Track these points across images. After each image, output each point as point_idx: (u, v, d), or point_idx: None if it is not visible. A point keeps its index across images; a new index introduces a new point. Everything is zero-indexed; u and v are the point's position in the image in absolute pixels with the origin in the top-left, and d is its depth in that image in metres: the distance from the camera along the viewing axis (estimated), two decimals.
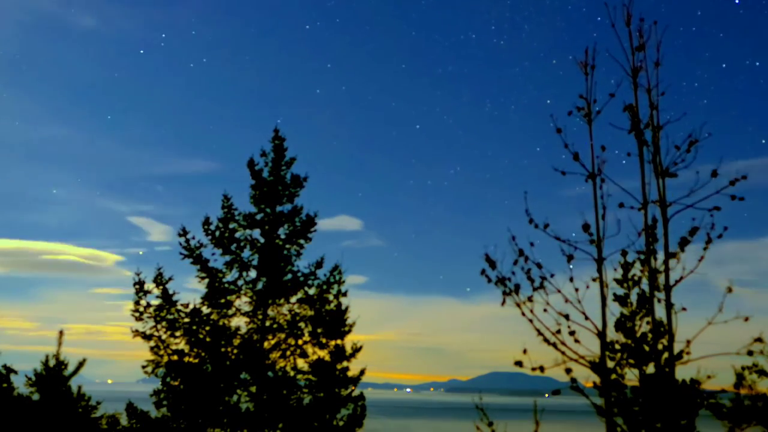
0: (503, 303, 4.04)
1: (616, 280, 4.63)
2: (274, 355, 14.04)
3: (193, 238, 14.32)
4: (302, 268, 14.63)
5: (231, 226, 14.53)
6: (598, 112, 4.17)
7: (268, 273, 14.28)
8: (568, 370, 3.90)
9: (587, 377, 3.95)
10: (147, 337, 13.70)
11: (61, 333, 13.38)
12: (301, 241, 14.73)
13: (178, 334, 13.74)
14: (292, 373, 14.03)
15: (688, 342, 3.85)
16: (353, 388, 14.35)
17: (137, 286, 13.84)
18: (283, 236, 14.67)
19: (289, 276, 14.49)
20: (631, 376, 4.56)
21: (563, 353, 3.92)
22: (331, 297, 14.52)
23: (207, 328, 13.79)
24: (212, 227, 14.43)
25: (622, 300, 4.82)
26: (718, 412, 10.22)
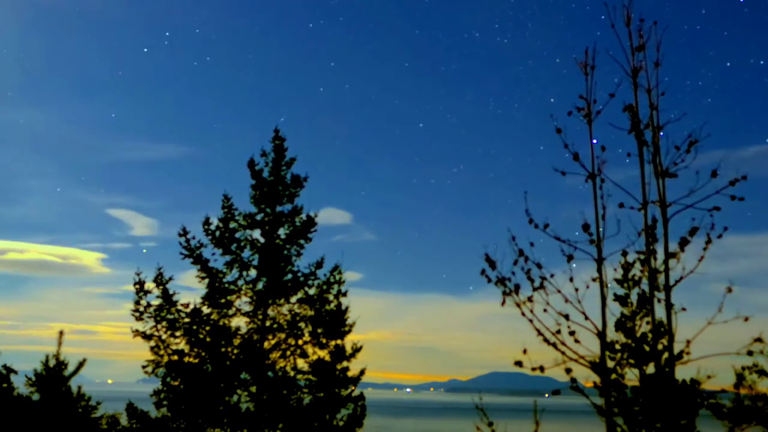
0: (503, 303, 4.04)
1: (616, 280, 4.63)
2: (274, 355, 14.04)
3: (194, 238, 14.33)
4: (302, 268, 14.65)
5: (231, 226, 14.53)
6: (598, 112, 4.17)
7: (268, 273, 14.29)
8: (568, 370, 3.91)
9: (587, 377, 3.95)
10: (147, 337, 13.70)
11: (61, 333, 13.39)
12: (301, 241, 14.74)
13: (178, 334, 13.75)
14: (292, 373, 14.04)
15: (688, 342, 3.86)
16: (353, 388, 14.36)
17: (137, 286, 13.84)
18: (283, 236, 14.67)
19: (289, 276, 14.49)
20: (631, 376, 4.57)
21: (563, 353, 3.92)
22: (331, 297, 14.53)
23: (207, 328, 13.79)
24: (212, 227, 14.44)
25: (622, 300, 4.82)
26: (718, 412, 10.22)
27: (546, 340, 3.94)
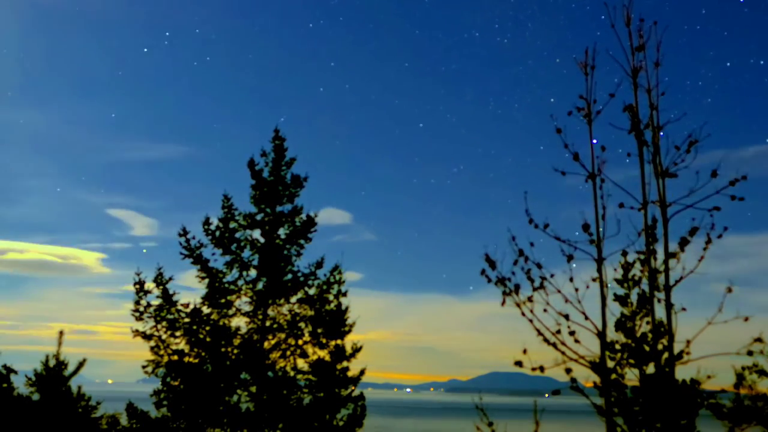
0: (503, 303, 4.04)
1: (616, 280, 4.63)
2: (274, 355, 14.04)
3: (194, 238, 14.34)
4: (302, 268, 14.66)
5: (231, 226, 14.54)
6: (598, 112, 4.17)
7: (268, 273, 14.29)
8: (568, 370, 3.91)
9: (587, 377, 3.95)
10: (147, 337, 13.70)
11: (61, 333, 13.38)
12: (301, 241, 14.74)
13: (178, 334, 13.75)
14: (292, 373, 14.03)
15: (688, 342, 3.86)
16: (353, 388, 14.36)
17: (137, 286, 13.84)
18: (283, 236, 14.67)
19: (289, 276, 14.49)
20: (631, 376, 4.57)
21: (563, 353, 3.92)
22: (331, 297, 14.53)
23: (207, 328, 13.79)
24: (212, 227, 14.44)
25: (622, 300, 4.82)
26: (718, 412, 10.21)
27: (546, 340, 3.94)
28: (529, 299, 4.02)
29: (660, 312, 3.94)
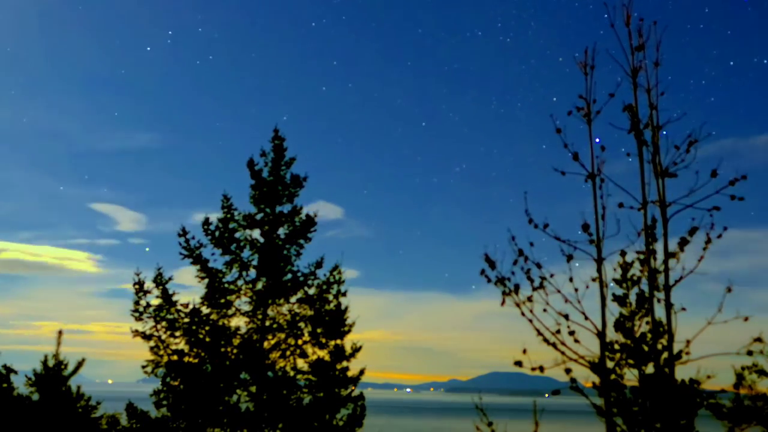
0: (503, 303, 4.04)
1: (616, 280, 4.63)
2: (274, 355, 14.04)
3: (193, 238, 14.33)
4: (302, 268, 14.65)
5: (231, 226, 14.53)
6: (597, 112, 4.17)
7: (268, 273, 14.28)
8: (568, 370, 3.91)
9: (587, 377, 3.95)
10: (147, 337, 13.70)
11: (60, 333, 13.38)
12: (301, 241, 14.74)
13: (178, 334, 13.75)
14: (292, 373, 14.03)
15: (688, 342, 3.85)
16: (353, 388, 14.35)
17: (137, 286, 13.84)
18: (282, 236, 14.67)
19: (289, 276, 14.49)
20: (631, 376, 4.57)
21: (563, 353, 3.92)
22: (330, 297, 14.52)
23: (207, 328, 13.78)
24: (212, 227, 14.43)
25: (621, 300, 4.82)
26: (717, 412, 10.21)
27: (546, 340, 3.94)
28: (529, 299, 4.02)
29: (660, 312, 3.93)
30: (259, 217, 14.69)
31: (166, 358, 13.66)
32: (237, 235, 14.52)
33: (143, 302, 13.80)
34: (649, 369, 4.49)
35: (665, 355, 3.91)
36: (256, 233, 14.64)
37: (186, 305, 13.88)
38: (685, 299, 3.86)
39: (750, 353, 3.86)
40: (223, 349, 13.71)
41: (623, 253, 4.25)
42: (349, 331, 14.46)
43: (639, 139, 4.05)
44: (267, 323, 14.12)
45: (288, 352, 14.10)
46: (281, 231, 14.71)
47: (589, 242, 4.04)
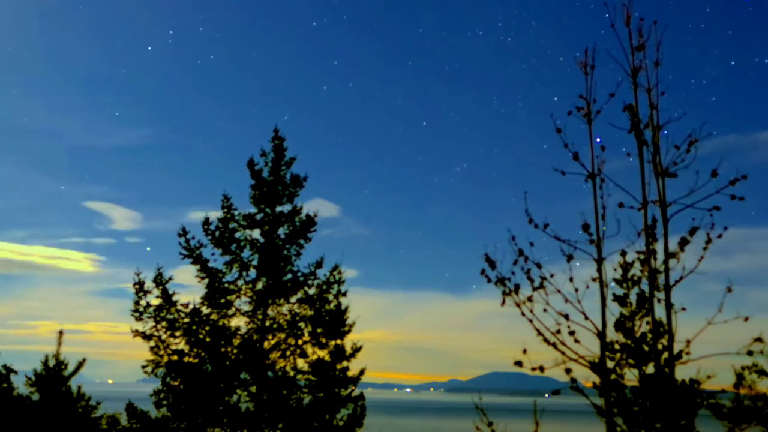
0: (503, 303, 4.04)
1: (616, 280, 4.63)
2: (274, 355, 14.04)
3: (193, 238, 14.33)
4: (302, 268, 14.65)
5: (231, 226, 14.53)
6: (597, 112, 4.17)
7: (268, 273, 14.28)
8: (568, 370, 3.90)
9: (587, 377, 3.95)
10: (147, 337, 13.70)
11: (60, 333, 13.38)
12: (301, 241, 14.74)
13: (178, 334, 13.75)
14: (292, 373, 14.03)
15: (688, 342, 3.85)
16: (353, 388, 14.35)
17: (137, 286, 13.84)
18: (283, 236, 14.67)
19: (289, 276, 14.49)
20: (631, 376, 4.56)
21: (563, 353, 3.92)
22: (330, 297, 14.52)
23: (207, 328, 13.79)
24: (212, 227, 14.44)
25: (621, 300, 4.82)
26: (718, 412, 10.21)
27: (546, 340, 3.94)
28: (529, 299, 4.02)
29: (660, 312, 3.93)
30: (259, 217, 14.69)
31: (166, 358, 13.66)
32: (237, 235, 14.53)
33: (143, 302, 13.81)
34: (650, 369, 4.49)
35: (665, 355, 3.91)
36: (256, 233, 14.65)
37: (186, 305, 13.88)
38: (685, 299, 3.86)
39: (750, 353, 3.86)
40: (223, 349, 13.71)
41: (623, 253, 4.25)
42: (349, 331, 14.47)
43: (639, 139, 4.05)
44: (267, 323, 14.12)
45: (288, 352, 14.10)
46: (281, 231, 14.72)
47: (589, 242, 4.04)
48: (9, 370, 12.79)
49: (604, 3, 4.10)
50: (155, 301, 13.84)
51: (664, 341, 3.92)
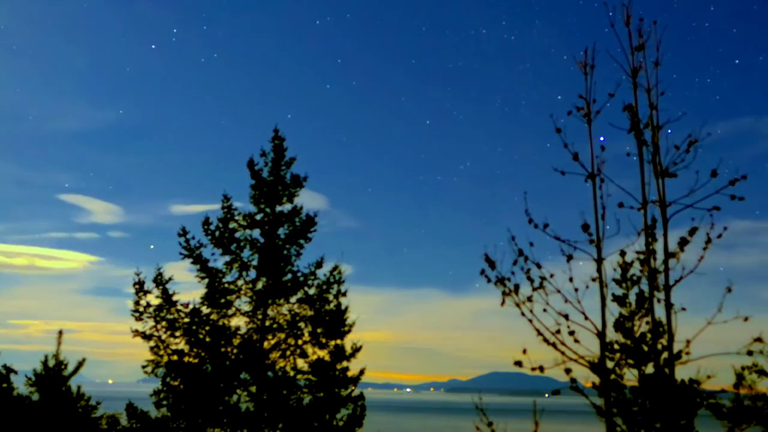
0: (503, 303, 4.04)
1: (616, 280, 4.63)
2: (274, 355, 14.04)
3: (193, 238, 14.33)
4: (302, 268, 14.64)
5: (231, 226, 14.53)
6: (597, 112, 4.17)
7: (268, 273, 14.28)
8: (568, 370, 3.91)
9: (587, 377, 3.95)
10: (147, 337, 13.70)
11: (60, 333, 13.39)
12: (301, 241, 14.74)
13: (178, 334, 13.75)
14: (292, 373, 14.03)
15: (688, 342, 3.85)
16: (353, 388, 14.35)
17: (137, 286, 13.84)
18: (283, 236, 14.67)
19: (289, 276, 14.49)
20: (631, 376, 4.57)
21: (563, 353, 3.92)
22: (330, 297, 14.52)
23: (207, 328, 13.79)
24: (212, 227, 14.43)
25: (620, 300, 4.82)
26: (717, 412, 10.21)
27: (546, 340, 3.94)
28: (529, 299, 4.02)
29: (660, 312, 3.93)
30: (259, 217, 14.69)
31: (166, 358, 13.66)
32: (237, 235, 14.52)
33: (143, 302, 13.80)
34: (649, 369, 4.49)
35: (665, 355, 3.91)
36: (256, 233, 14.65)
37: (186, 305, 13.88)
38: (685, 299, 3.86)
39: (750, 353, 3.86)
40: (223, 349, 13.71)
41: (623, 253, 4.26)
42: (349, 331, 14.47)
43: (639, 139, 4.05)
44: (267, 323, 14.12)
45: (288, 352, 14.10)
46: (281, 231, 14.72)
47: (589, 242, 4.04)
48: (9, 370, 12.80)
49: (604, 3, 4.10)
50: (155, 301, 13.84)
51: (664, 341, 3.92)
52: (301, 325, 14.24)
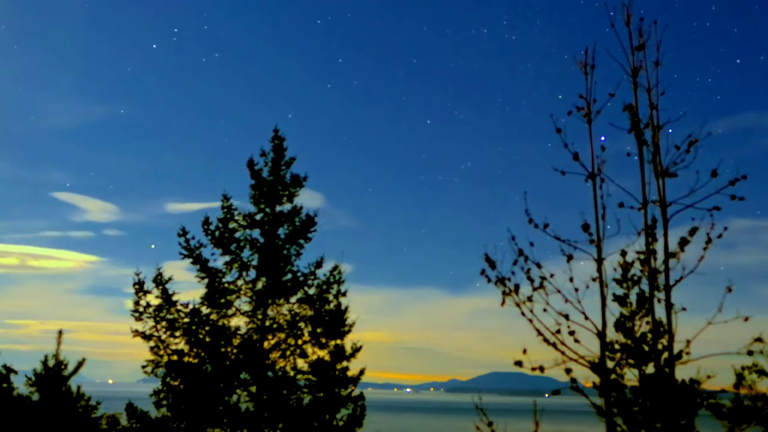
0: (503, 303, 4.04)
1: (616, 280, 4.63)
2: (274, 355, 14.04)
3: (193, 238, 14.33)
4: (302, 268, 14.65)
5: (231, 226, 14.53)
6: (597, 112, 4.17)
7: (268, 273, 14.29)
8: (568, 370, 3.90)
9: (587, 377, 3.95)
10: (147, 337, 13.70)
11: (60, 333, 13.39)
12: (301, 241, 14.74)
13: (177, 334, 13.75)
14: (292, 373, 14.03)
15: (688, 342, 3.85)
16: (353, 388, 14.35)
17: (137, 286, 13.84)
18: (283, 236, 14.67)
19: (289, 276, 14.49)
20: (631, 376, 4.57)
21: (563, 353, 3.92)
22: (330, 297, 14.52)
23: (207, 328, 13.79)
24: (212, 227, 14.44)
25: (621, 300, 4.82)
26: (717, 412, 10.21)
27: (546, 340, 3.94)
28: (529, 299, 4.02)
29: (660, 312, 3.93)
30: (259, 217, 14.70)
31: (166, 358, 13.66)
32: (237, 235, 14.53)
33: (143, 302, 13.81)
34: (650, 369, 4.49)
35: (665, 355, 3.91)
36: (256, 233, 14.66)
37: (186, 305, 13.88)
38: (685, 299, 3.86)
39: (750, 353, 3.86)
40: (223, 349, 13.71)
41: (623, 253, 4.25)
42: (349, 331, 14.47)
43: (639, 139, 4.05)
44: (267, 323, 14.12)
45: (288, 352, 14.10)
46: (281, 231, 14.72)
47: (589, 242, 4.04)
48: (9, 370, 12.80)
49: (604, 3, 4.10)
50: (155, 301, 13.84)
51: (664, 341, 3.92)
52: (301, 325, 14.25)
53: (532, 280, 4.06)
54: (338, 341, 14.34)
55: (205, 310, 14.01)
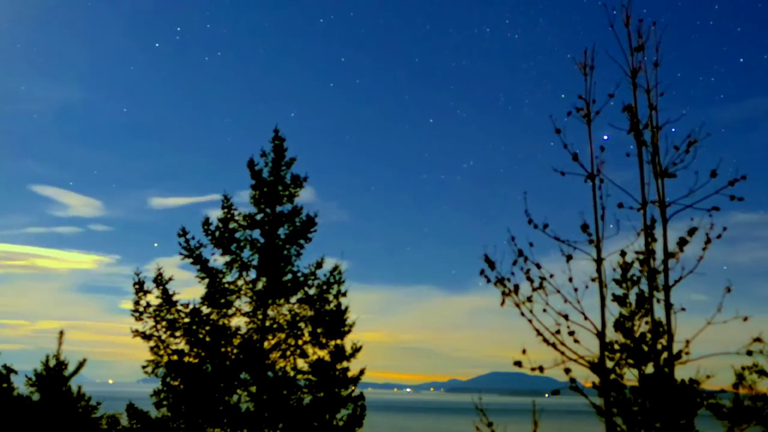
0: (503, 303, 4.05)
1: (616, 281, 4.64)
2: (274, 355, 14.05)
3: (193, 238, 14.34)
4: (302, 268, 14.65)
5: (231, 226, 14.54)
6: (597, 112, 4.18)
7: (268, 273, 14.29)
8: (568, 370, 3.91)
9: (587, 377, 3.96)
10: (147, 337, 13.71)
11: (61, 333, 13.40)
12: (301, 241, 14.75)
13: (178, 334, 13.75)
14: (292, 373, 14.04)
15: (688, 342, 3.86)
16: (353, 388, 14.36)
17: (137, 286, 13.85)
18: (283, 236, 14.68)
19: (289, 276, 14.49)
20: (630, 376, 4.58)
21: (563, 353, 3.93)
22: (330, 297, 14.53)
23: (207, 328, 13.79)
24: (212, 227, 14.44)
25: (620, 300, 4.83)
26: (717, 412, 10.22)
27: (545, 340, 3.95)
28: (529, 299, 4.02)
29: (659, 312, 3.94)
30: (259, 217, 14.70)
31: (166, 358, 13.67)
32: (237, 235, 14.53)
33: (143, 302, 13.81)
34: (649, 369, 4.50)
35: (665, 355, 3.92)
36: (256, 233, 14.66)
37: (186, 305, 13.89)
38: (685, 299, 3.87)
39: (750, 353, 3.87)
40: (223, 349, 13.72)
41: (623, 254, 4.27)
42: (349, 331, 14.47)
43: (638, 139, 4.06)
44: (267, 323, 14.12)
45: (288, 352, 14.10)
46: (281, 231, 14.73)
47: (588, 242, 4.05)
48: (9, 370, 12.81)
49: (603, 4, 4.11)
50: (155, 301, 13.85)
51: (664, 341, 3.93)
52: (301, 325, 14.25)
53: (531, 281, 4.07)
54: (338, 341, 14.34)
55: (205, 310, 14.02)
